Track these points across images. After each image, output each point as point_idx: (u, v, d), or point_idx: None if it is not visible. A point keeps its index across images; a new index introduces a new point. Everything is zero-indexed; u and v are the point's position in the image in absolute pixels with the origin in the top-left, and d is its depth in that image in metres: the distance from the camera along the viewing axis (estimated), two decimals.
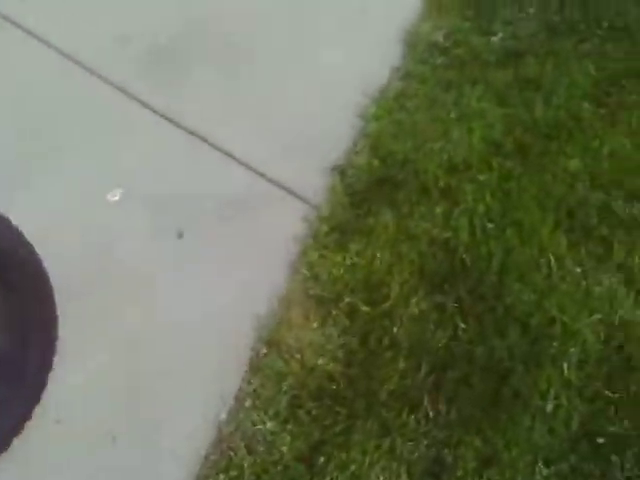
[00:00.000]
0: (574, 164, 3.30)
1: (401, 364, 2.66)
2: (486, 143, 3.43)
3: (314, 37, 3.98)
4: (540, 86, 3.72)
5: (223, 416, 2.55)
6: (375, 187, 3.25)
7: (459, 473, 2.43)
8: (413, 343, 2.71)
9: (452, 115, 3.58)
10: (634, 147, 3.38)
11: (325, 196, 3.24)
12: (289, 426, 2.52)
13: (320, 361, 2.71)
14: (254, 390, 2.64)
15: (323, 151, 3.40)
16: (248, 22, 4.04)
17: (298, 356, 2.73)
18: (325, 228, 3.11)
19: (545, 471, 2.42)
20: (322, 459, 2.47)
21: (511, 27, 4.11)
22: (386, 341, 2.73)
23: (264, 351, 2.76)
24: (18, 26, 4.03)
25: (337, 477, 2.44)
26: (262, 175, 3.31)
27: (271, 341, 2.77)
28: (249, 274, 2.94)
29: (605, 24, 4.06)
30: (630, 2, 4.15)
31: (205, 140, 3.44)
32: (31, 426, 2.52)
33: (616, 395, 2.57)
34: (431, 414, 2.54)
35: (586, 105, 3.62)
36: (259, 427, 2.53)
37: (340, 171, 3.33)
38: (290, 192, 3.26)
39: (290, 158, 3.37)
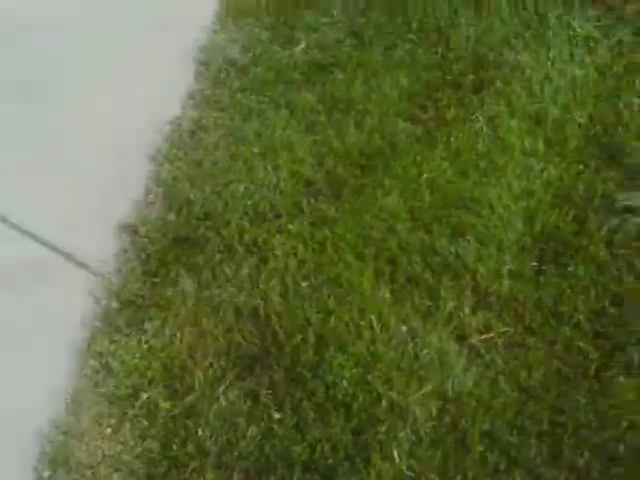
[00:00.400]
0: (392, 201, 3.06)
1: (209, 475, 2.34)
2: (295, 181, 3.14)
3: (93, 65, 3.55)
4: (351, 105, 3.45)
5: None
6: (172, 247, 2.92)
7: None
8: (222, 446, 2.41)
9: (255, 149, 3.25)
10: (455, 171, 3.17)
11: (115, 263, 2.84)
12: None
13: (116, 477, 2.35)
14: None
15: (111, 206, 3.02)
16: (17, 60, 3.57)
17: (90, 473, 2.36)
18: (116, 305, 2.75)
19: None
20: None
21: (315, 34, 3.81)
22: (191, 447, 2.40)
23: (48, 473, 2.37)
24: None
25: None
26: (38, 242, 2.91)
27: (57, 458, 2.39)
28: (26, 373, 2.54)
29: (415, 26, 3.80)
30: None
31: None
32: None
33: None
34: None
35: (401, 124, 3.39)
36: None
37: (132, 231, 2.95)
38: (73, 261, 2.87)
39: (72, 219, 2.98)
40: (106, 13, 3.81)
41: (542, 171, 3.18)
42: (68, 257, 2.87)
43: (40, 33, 3.65)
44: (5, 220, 2.93)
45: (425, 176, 3.14)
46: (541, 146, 3.27)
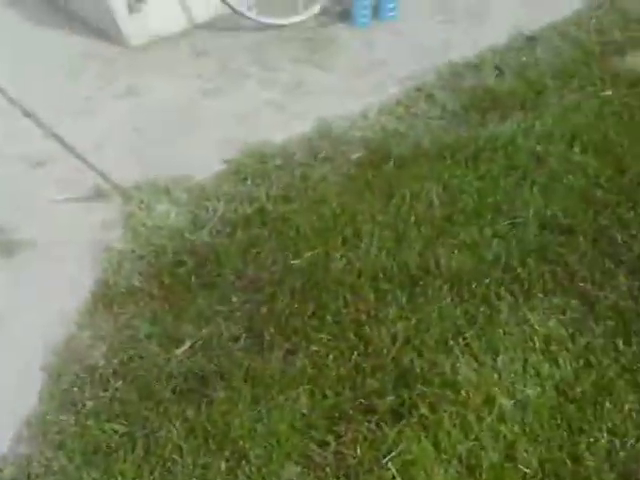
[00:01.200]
0: None
1: None
2: None
3: None
4: (225, 442, 2.77)
5: None
6: None
7: None
8: None
9: None
10: None
11: None
12: None
13: None
14: None
15: None
16: None
17: None
18: None
19: None
20: None
21: (206, 328, 3.18)
22: None
23: None
24: None
25: None
26: None
27: None
28: None
29: (329, 318, 3.14)
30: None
31: None
32: None
33: None
34: None
35: (291, 469, 2.81)
36: None
37: None
38: None
39: None
40: None
41: None
42: None
43: None
44: None
45: None
46: None
